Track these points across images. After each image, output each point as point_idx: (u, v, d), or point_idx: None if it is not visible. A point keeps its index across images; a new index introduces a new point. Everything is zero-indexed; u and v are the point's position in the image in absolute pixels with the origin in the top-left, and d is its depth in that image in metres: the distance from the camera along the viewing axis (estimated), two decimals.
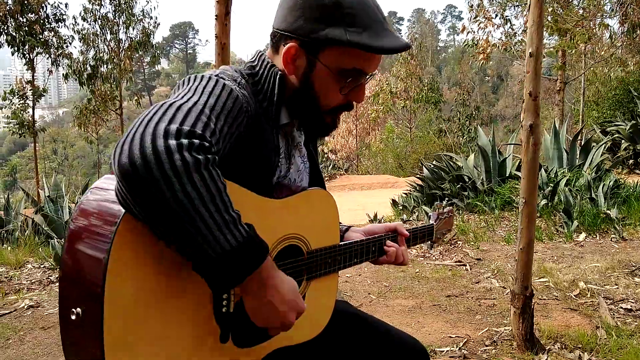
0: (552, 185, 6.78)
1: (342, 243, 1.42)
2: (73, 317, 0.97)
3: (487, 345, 3.30)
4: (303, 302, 1.12)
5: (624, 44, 16.07)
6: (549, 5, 13.19)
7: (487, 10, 14.87)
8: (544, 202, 6.54)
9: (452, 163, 8.30)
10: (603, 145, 8.18)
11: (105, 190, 1.05)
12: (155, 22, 22.04)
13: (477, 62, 15.77)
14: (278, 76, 1.27)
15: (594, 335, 3.35)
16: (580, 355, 3.14)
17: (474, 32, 15.27)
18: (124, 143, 0.91)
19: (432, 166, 8.29)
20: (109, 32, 21.08)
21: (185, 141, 0.92)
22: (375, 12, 1.24)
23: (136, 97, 24.14)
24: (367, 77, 1.30)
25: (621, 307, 3.84)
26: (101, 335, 0.95)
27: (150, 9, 21.44)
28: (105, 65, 20.53)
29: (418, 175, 8.51)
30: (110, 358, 0.95)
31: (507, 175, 7.66)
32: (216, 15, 3.55)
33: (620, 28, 15.02)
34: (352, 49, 1.20)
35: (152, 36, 21.82)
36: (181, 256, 0.99)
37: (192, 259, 0.97)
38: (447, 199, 7.47)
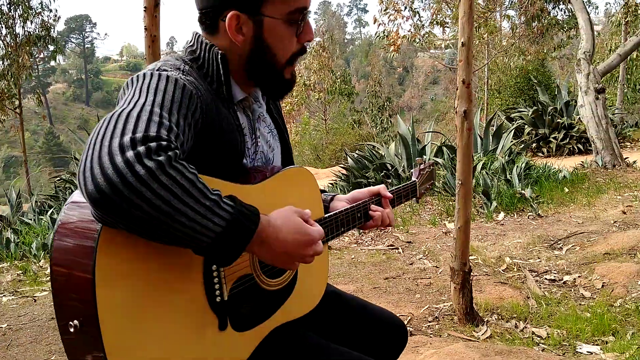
0: (431, 159, 7.12)
1: (326, 215, 1.43)
2: (71, 330, 0.98)
3: (430, 322, 3.46)
4: (311, 230, 1.15)
5: (523, 34, 16.97)
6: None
7: (397, 3, 15.28)
8: None
9: (374, 152, 8.53)
10: (512, 131, 8.68)
11: (80, 204, 1.04)
12: (56, 16, 21.00)
13: (388, 53, 16.19)
14: (219, 55, 1.25)
15: (526, 305, 3.61)
16: (516, 324, 3.38)
17: (385, 24, 15.64)
18: (85, 170, 0.91)
19: (356, 156, 8.50)
20: (4, 26, 19.89)
21: (141, 149, 0.92)
22: None
23: (37, 95, 22.94)
24: (308, 12, 1.30)
25: (545, 279, 4.14)
26: (101, 344, 0.96)
27: (50, 1, 20.21)
28: (1, 62, 19.35)
29: (342, 165, 8.69)
30: None
31: None
32: (145, 7, 3.48)
33: (520, 19, 15.88)
34: None
35: (52, 30, 20.77)
36: (177, 246, 1.01)
37: (190, 248, 1.00)
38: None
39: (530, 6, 14.02)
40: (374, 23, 15.69)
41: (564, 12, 16.83)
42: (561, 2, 15.96)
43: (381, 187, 1.65)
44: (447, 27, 16.65)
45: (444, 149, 8.02)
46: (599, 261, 4.25)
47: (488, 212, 6.03)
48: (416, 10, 15.74)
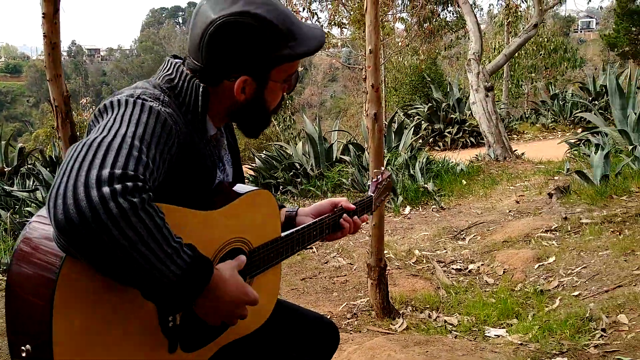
0: (388, 168, 7.39)
1: (283, 235, 1.48)
2: (23, 354, 0.99)
3: (349, 318, 3.61)
4: (252, 292, 1.19)
5: (416, 35, 17.66)
6: (355, 3, 14.16)
7: (295, 4, 15.46)
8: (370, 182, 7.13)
9: (282, 152, 8.63)
10: (413, 128, 9.08)
11: (46, 224, 1.04)
12: None
13: None
14: (202, 89, 1.28)
15: (437, 295, 3.84)
16: (429, 314, 3.59)
17: None
18: (57, 197, 0.92)
19: (263, 156, 8.56)
20: None
21: (118, 187, 0.93)
22: (290, 14, 1.32)
23: None
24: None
25: (452, 268, 4.42)
26: None
27: None
28: None
29: (249, 166, 8.73)
30: None
31: (334, 159, 8.18)
32: (43, 14, 3.39)
33: (412, 20, 16.54)
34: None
35: None
36: (125, 285, 1.02)
37: (141, 291, 1.01)
38: (281, 187, 7.79)
39: (421, 9, 14.69)
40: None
41: (452, 14, 17.70)
42: (449, 5, 16.79)
43: (343, 200, 1.73)
44: (345, 28, 17.03)
45: (350, 147, 8.25)
46: (499, 249, 4.57)
47: (395, 206, 6.30)
48: (314, 11, 16.01)
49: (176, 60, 1.34)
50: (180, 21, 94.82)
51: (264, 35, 1.24)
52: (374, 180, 2.02)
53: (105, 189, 0.92)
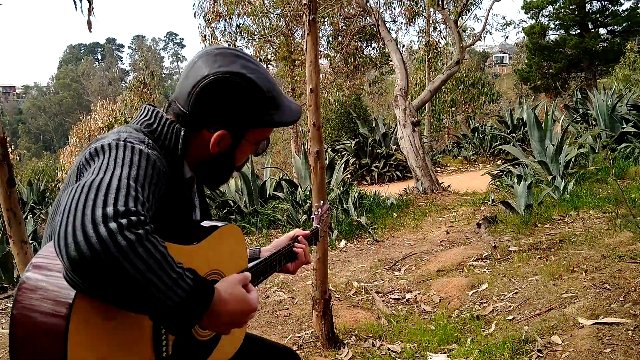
0: (309, 201, 7.51)
1: (249, 266, 1.60)
2: None
3: (295, 350, 3.65)
4: (253, 301, 1.26)
5: (340, 71, 18.10)
6: (281, 40, 14.44)
7: (220, 41, 15.54)
8: (304, 217, 7.24)
9: (215, 190, 8.61)
10: (343, 164, 9.30)
11: (47, 266, 1.09)
12: None
13: None
14: (182, 133, 1.35)
15: (378, 324, 3.94)
16: (373, 342, 3.69)
17: None
18: (67, 235, 0.98)
19: None
20: None
21: (123, 221, 0.99)
22: (277, 86, 1.45)
23: None
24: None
25: (391, 298, 4.54)
26: None
27: None
28: None
29: None
30: None
31: (267, 196, 8.24)
32: None
33: (337, 57, 16.96)
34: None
35: None
36: (135, 312, 1.08)
37: (150, 315, 1.07)
38: None
39: (347, 46, 15.15)
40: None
41: (376, 50, 18.32)
42: (373, 42, 17.38)
43: (298, 231, 1.88)
44: (271, 64, 17.26)
45: (283, 183, 8.34)
46: (434, 278, 4.75)
47: (331, 240, 6.41)
48: (239, 47, 16.13)
49: (153, 107, 1.41)
50: (99, 57, 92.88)
51: (251, 97, 1.36)
52: (316, 213, 2.16)
53: (112, 224, 0.98)
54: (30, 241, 3.76)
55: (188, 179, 1.46)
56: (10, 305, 5.18)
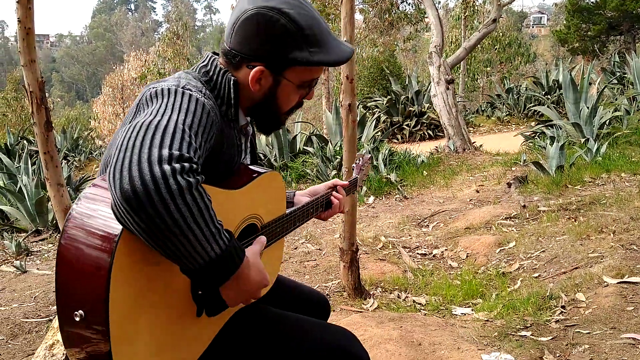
0: (339, 157, 7.56)
1: (287, 212, 1.64)
2: (77, 319, 1.08)
3: None
4: (268, 277, 1.31)
5: (375, 27, 17.87)
6: None
7: None
8: (333, 172, 7.29)
9: None
10: (374, 121, 9.27)
11: (98, 195, 1.14)
12: None
13: None
14: (232, 82, 1.37)
15: (404, 277, 4.01)
16: (398, 294, 3.76)
17: None
18: (122, 169, 1.02)
19: None
20: None
21: (177, 166, 1.03)
22: (323, 25, 1.41)
23: None
24: (317, 80, 1.51)
25: (418, 253, 4.61)
26: (107, 333, 1.07)
27: None
28: None
29: None
30: (115, 348, 1.09)
31: (297, 150, 8.30)
32: None
33: (372, 12, 16.73)
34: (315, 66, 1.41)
35: None
36: (170, 261, 1.12)
37: (181, 265, 1.12)
38: None
39: (382, 1, 14.92)
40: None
41: (412, 6, 17.97)
42: None
43: (336, 180, 1.90)
44: None
45: (314, 138, 8.38)
46: (461, 235, 4.79)
47: (360, 196, 6.46)
48: None
49: (213, 55, 1.44)
50: (132, 8, 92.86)
51: (287, 32, 1.33)
52: (357, 162, 2.20)
53: (166, 167, 1.03)
54: (66, 185, 3.88)
55: (243, 126, 1.50)
56: (45, 249, 5.40)
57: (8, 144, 10.87)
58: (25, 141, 11.32)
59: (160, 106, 1.19)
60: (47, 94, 3.77)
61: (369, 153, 2.33)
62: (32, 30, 3.81)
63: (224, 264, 1.13)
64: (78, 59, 68.59)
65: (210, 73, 1.40)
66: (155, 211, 1.02)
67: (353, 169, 2.17)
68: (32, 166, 6.96)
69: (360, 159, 2.20)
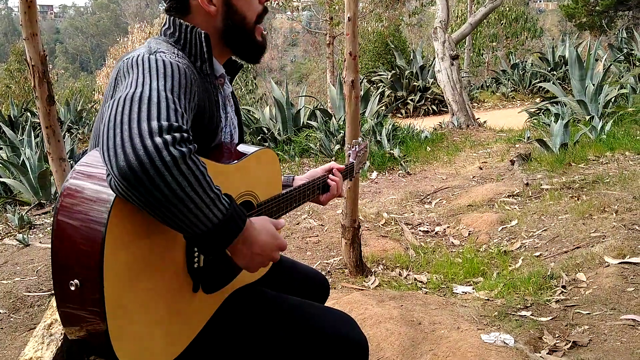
0: (342, 131, 7.52)
1: (283, 192, 1.63)
2: (72, 288, 1.08)
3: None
4: (282, 238, 1.32)
5: (380, 0, 17.65)
6: None
7: None
8: (337, 147, 7.27)
9: (250, 116, 8.66)
10: (378, 96, 9.21)
11: (91, 167, 1.15)
12: None
13: None
14: (203, 35, 1.38)
15: (406, 255, 4.02)
16: (400, 272, 3.77)
17: None
18: (115, 147, 1.03)
19: None
20: None
21: (168, 137, 1.04)
22: None
23: None
24: None
25: (420, 230, 4.61)
26: (102, 302, 1.07)
27: None
28: None
29: None
30: (112, 321, 1.09)
31: (301, 125, 8.27)
32: None
33: None
34: None
35: None
36: (173, 229, 1.13)
37: (185, 233, 1.13)
38: None
39: None
40: None
41: None
42: None
43: (333, 163, 1.90)
44: None
45: (318, 112, 8.34)
46: (464, 212, 4.78)
47: (363, 171, 6.45)
48: None
49: (170, 15, 1.43)
50: None
51: None
52: (353, 149, 2.18)
53: (158, 139, 1.03)
54: (68, 159, 3.88)
55: (220, 79, 1.49)
56: (48, 222, 5.41)
57: (11, 116, 10.85)
58: (28, 113, 11.28)
59: (138, 76, 1.18)
60: (51, 66, 3.75)
61: (366, 141, 2.31)
62: (34, 3, 3.78)
63: (227, 227, 1.13)
64: (82, 30, 68.11)
65: (177, 33, 1.40)
66: (153, 184, 1.02)
67: (349, 155, 2.16)
68: (35, 139, 6.95)
69: (357, 145, 2.19)
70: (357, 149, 2.17)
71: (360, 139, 2.30)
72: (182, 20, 1.41)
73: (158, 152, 1.02)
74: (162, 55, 1.26)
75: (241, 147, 1.54)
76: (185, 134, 1.08)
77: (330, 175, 1.86)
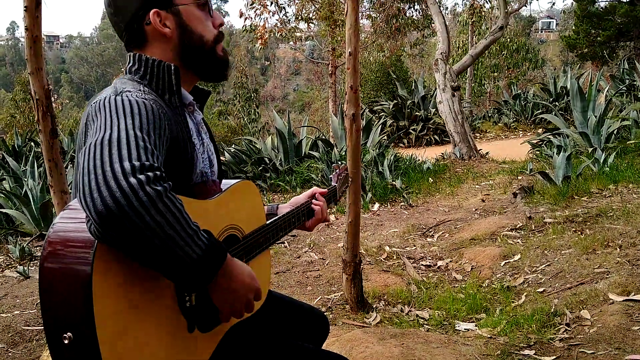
0: (344, 162, 7.52)
1: (268, 222, 1.62)
2: (65, 342, 1.07)
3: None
4: (258, 283, 1.30)
5: (382, 32, 17.83)
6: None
7: None
8: None
9: (252, 146, 8.68)
10: (380, 126, 9.24)
11: (73, 218, 1.15)
12: None
13: (256, 46, 16.37)
14: (172, 67, 1.39)
15: (408, 290, 3.97)
16: (402, 308, 3.73)
17: (251, 18, 15.77)
18: (92, 192, 1.03)
19: (233, 150, 8.60)
20: None
21: (142, 177, 1.04)
22: None
23: None
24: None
25: (422, 264, 4.56)
26: (98, 353, 1.06)
27: None
28: None
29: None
30: None
31: (303, 155, 8.28)
32: (25, 7, 3.40)
33: (379, 17, 16.71)
34: None
35: None
36: (154, 270, 1.12)
37: (165, 272, 1.12)
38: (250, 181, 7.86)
39: (389, 7, 14.95)
40: (240, 17, 15.76)
41: (419, 12, 17.93)
42: (416, 4, 17.03)
43: (315, 189, 1.90)
44: (312, 23, 17.09)
45: (319, 143, 8.35)
46: (466, 246, 4.74)
47: (365, 203, 6.43)
48: (282, 6, 16.04)
49: (134, 52, 1.44)
50: None
51: None
52: (334, 172, 2.20)
53: (133, 180, 1.03)
54: (70, 190, 3.88)
55: (190, 106, 1.49)
56: None
57: (15, 145, 10.91)
58: (32, 143, 11.34)
59: (106, 119, 1.19)
60: (55, 95, 3.77)
61: (344, 164, 2.33)
62: (40, 38, 3.80)
63: (207, 263, 1.13)
64: (87, 60, 68.92)
65: (143, 68, 1.40)
66: (132, 225, 1.02)
67: (331, 180, 2.16)
68: (38, 168, 6.98)
69: (337, 169, 2.20)
70: (337, 172, 2.18)
71: (339, 162, 2.29)
72: (146, 55, 1.41)
73: (134, 193, 1.02)
74: (128, 94, 1.26)
75: (223, 183, 1.56)
76: (158, 172, 1.08)
77: (314, 200, 1.85)
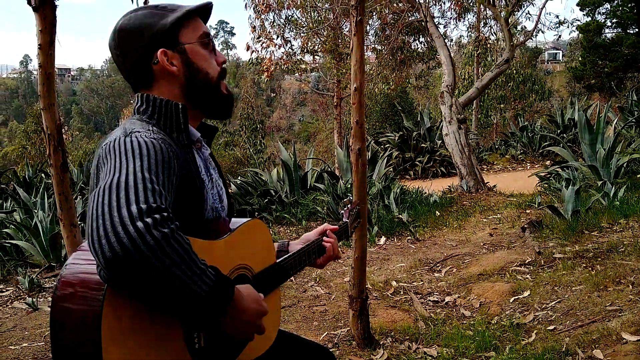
0: (349, 194, 7.48)
1: (278, 260, 1.63)
2: None
3: (330, 348, 3.64)
4: (265, 305, 1.31)
5: (387, 64, 17.96)
6: (329, 33, 14.51)
7: (269, 32, 15.66)
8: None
9: (257, 178, 8.67)
10: (386, 158, 9.23)
11: (85, 259, 1.18)
12: None
13: (262, 78, 16.54)
14: (180, 106, 1.42)
15: (416, 326, 3.90)
16: (409, 345, 3.65)
17: (257, 51, 15.95)
18: (100, 238, 1.04)
19: (238, 182, 8.59)
20: None
21: (149, 220, 1.06)
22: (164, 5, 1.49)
23: None
24: (212, 38, 1.54)
25: (430, 300, 4.49)
26: None
27: None
28: None
29: None
30: None
31: (308, 187, 8.26)
32: (39, 45, 3.43)
33: (384, 50, 16.85)
34: (192, 19, 1.47)
35: None
36: (166, 311, 1.14)
37: (174, 312, 1.14)
38: (256, 213, 7.82)
39: (394, 40, 15.10)
40: (247, 50, 15.92)
41: (423, 45, 18.09)
42: (421, 36, 17.20)
43: (326, 225, 1.90)
44: (317, 55, 17.26)
45: (325, 175, 8.33)
46: (475, 282, 4.67)
47: (371, 237, 6.37)
48: (288, 39, 16.23)
49: (141, 93, 1.47)
50: None
51: (145, 22, 1.43)
52: (345, 208, 2.19)
53: (139, 224, 1.04)
54: (79, 222, 3.89)
55: (196, 142, 1.49)
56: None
57: (27, 176, 10.97)
58: (43, 174, 11.40)
59: (116, 161, 1.20)
60: (66, 127, 3.78)
61: (350, 197, 2.34)
62: (53, 75, 3.82)
63: (216, 299, 1.13)
64: (97, 92, 69.87)
65: (150, 108, 1.42)
66: (142, 269, 1.03)
67: (342, 216, 2.15)
68: (48, 199, 7.01)
69: (349, 204, 2.19)
70: (349, 208, 2.16)
71: (349, 197, 2.29)
72: (154, 95, 1.43)
73: (141, 238, 1.03)
74: (137, 135, 1.28)
75: (232, 222, 1.56)
76: (165, 213, 1.09)
77: (325, 237, 1.84)
